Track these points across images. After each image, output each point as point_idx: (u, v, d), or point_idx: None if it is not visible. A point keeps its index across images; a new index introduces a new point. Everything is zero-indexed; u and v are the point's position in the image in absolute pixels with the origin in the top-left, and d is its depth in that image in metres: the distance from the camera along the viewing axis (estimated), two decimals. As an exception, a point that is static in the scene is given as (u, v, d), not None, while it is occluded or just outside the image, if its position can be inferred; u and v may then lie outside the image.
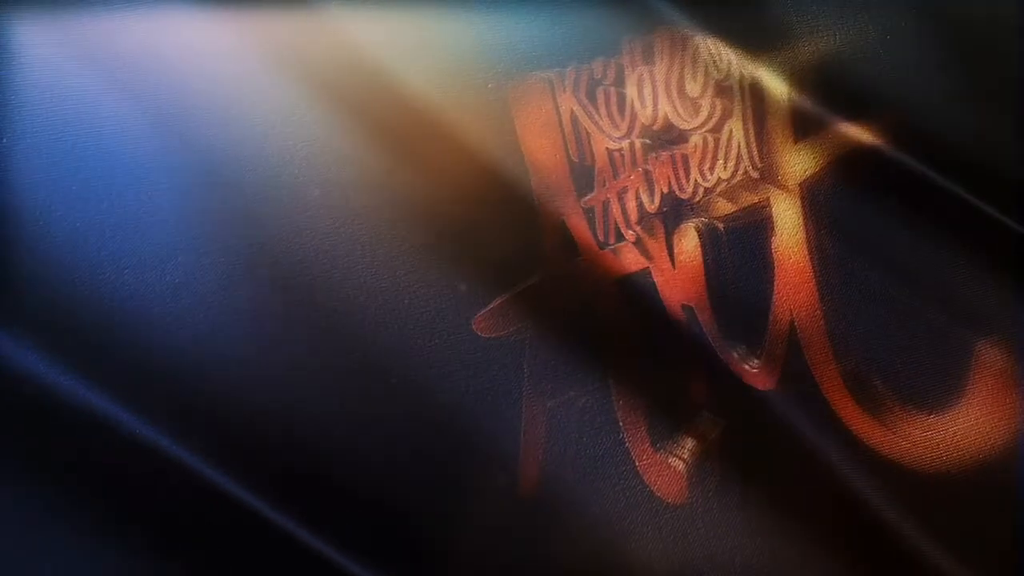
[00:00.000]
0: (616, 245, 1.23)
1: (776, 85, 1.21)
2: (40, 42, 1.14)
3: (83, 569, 1.14)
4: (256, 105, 1.15)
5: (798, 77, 1.21)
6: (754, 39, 1.21)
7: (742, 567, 1.20)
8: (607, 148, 1.22)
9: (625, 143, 1.21)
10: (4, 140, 1.13)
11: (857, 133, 1.21)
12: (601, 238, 1.23)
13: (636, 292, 1.22)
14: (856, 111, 1.20)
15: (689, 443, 1.22)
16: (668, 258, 1.23)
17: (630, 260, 1.23)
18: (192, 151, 1.14)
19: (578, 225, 1.22)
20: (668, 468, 1.21)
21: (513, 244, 1.19)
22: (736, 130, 1.21)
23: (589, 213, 1.23)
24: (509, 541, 1.19)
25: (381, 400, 1.16)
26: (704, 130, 1.21)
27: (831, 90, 1.20)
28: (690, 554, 1.20)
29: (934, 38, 1.20)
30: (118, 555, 1.13)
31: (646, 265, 1.23)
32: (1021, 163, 1.20)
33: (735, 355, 1.23)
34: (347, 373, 1.16)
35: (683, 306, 1.23)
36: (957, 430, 1.19)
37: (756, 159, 1.21)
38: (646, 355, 1.22)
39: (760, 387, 1.22)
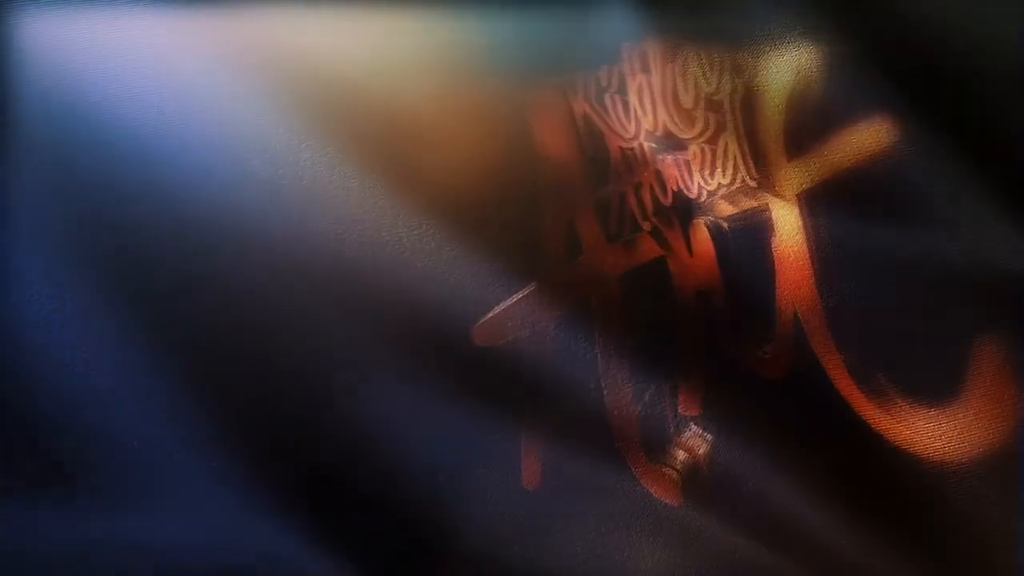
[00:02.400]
0: (630, 236, 1.24)
1: (767, 98, 1.25)
2: (44, 40, 1.11)
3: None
4: (263, 108, 1.14)
5: (789, 89, 1.25)
6: (742, 50, 1.25)
7: (745, 563, 1.20)
8: (620, 146, 1.24)
9: (635, 144, 1.24)
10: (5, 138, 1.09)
11: (853, 142, 1.25)
12: (614, 229, 1.22)
13: (650, 279, 1.22)
14: (849, 121, 1.24)
15: (692, 440, 1.22)
16: (686, 247, 1.25)
17: (645, 249, 1.24)
18: (194, 152, 1.12)
19: (588, 218, 1.21)
20: (664, 474, 1.21)
21: (517, 246, 1.19)
22: (731, 144, 1.26)
23: (602, 205, 1.22)
24: (509, 544, 1.17)
25: (380, 404, 1.14)
26: (701, 140, 1.25)
27: (822, 102, 1.24)
28: (693, 551, 1.20)
29: (929, 46, 1.24)
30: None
31: (662, 254, 1.24)
32: (1018, 164, 1.23)
33: (748, 343, 1.25)
34: (346, 376, 1.14)
35: (698, 293, 1.24)
36: (959, 423, 1.21)
37: (753, 172, 1.26)
38: (651, 347, 1.22)
39: (771, 375, 1.24)
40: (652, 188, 1.24)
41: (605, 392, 1.19)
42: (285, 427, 1.11)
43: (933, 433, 1.22)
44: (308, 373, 1.12)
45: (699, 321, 1.24)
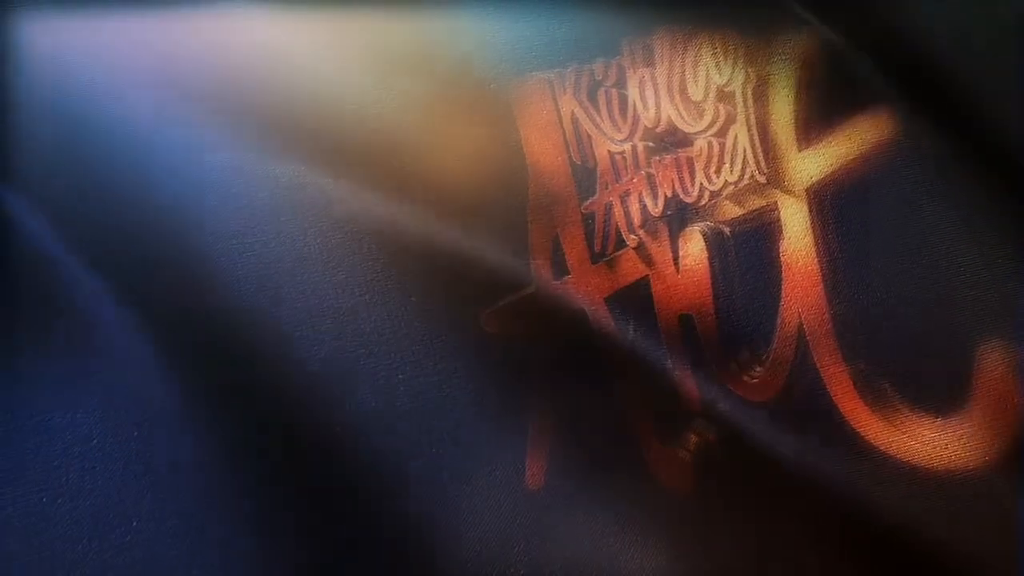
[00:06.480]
0: (615, 254, 1.21)
1: (778, 90, 1.19)
2: (47, 40, 1.13)
3: None
4: (255, 105, 1.14)
5: (800, 81, 1.18)
6: (755, 42, 1.19)
7: (750, 563, 1.19)
8: (609, 151, 1.19)
9: (627, 146, 1.19)
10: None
11: (861, 137, 1.18)
12: (598, 248, 1.20)
13: (629, 306, 1.20)
14: (859, 114, 1.18)
15: (685, 452, 1.20)
16: (672, 263, 1.20)
17: (628, 270, 1.21)
18: (190, 152, 1.13)
19: (575, 235, 1.20)
20: (671, 468, 1.20)
21: (513, 249, 1.18)
22: (741, 135, 1.19)
23: (589, 219, 1.20)
24: (515, 537, 1.17)
25: (386, 398, 1.15)
26: (709, 134, 1.19)
27: (833, 94, 1.18)
28: (700, 549, 1.19)
29: (937, 38, 1.18)
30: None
31: (646, 273, 1.21)
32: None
33: (735, 365, 1.20)
34: (350, 371, 1.14)
35: (681, 316, 1.20)
36: (964, 431, 1.16)
37: (762, 165, 1.19)
38: (641, 367, 1.20)
39: (758, 398, 1.19)
40: (640, 196, 1.19)
41: (618, 380, 1.19)
42: (286, 427, 1.12)
43: (938, 443, 1.17)
44: (309, 369, 1.13)
45: (678, 347, 1.21)
